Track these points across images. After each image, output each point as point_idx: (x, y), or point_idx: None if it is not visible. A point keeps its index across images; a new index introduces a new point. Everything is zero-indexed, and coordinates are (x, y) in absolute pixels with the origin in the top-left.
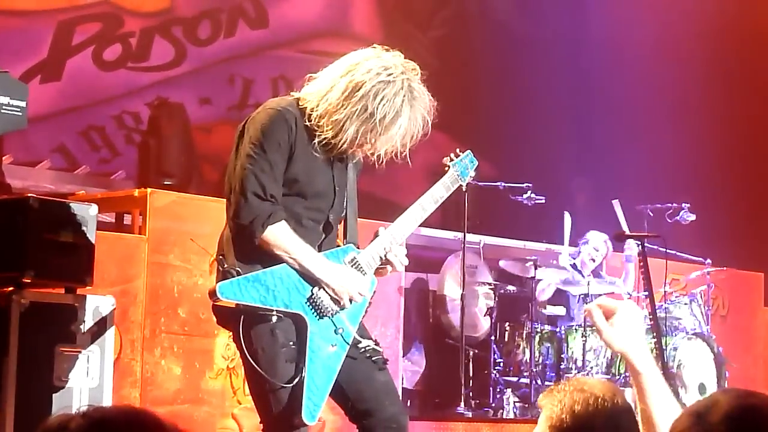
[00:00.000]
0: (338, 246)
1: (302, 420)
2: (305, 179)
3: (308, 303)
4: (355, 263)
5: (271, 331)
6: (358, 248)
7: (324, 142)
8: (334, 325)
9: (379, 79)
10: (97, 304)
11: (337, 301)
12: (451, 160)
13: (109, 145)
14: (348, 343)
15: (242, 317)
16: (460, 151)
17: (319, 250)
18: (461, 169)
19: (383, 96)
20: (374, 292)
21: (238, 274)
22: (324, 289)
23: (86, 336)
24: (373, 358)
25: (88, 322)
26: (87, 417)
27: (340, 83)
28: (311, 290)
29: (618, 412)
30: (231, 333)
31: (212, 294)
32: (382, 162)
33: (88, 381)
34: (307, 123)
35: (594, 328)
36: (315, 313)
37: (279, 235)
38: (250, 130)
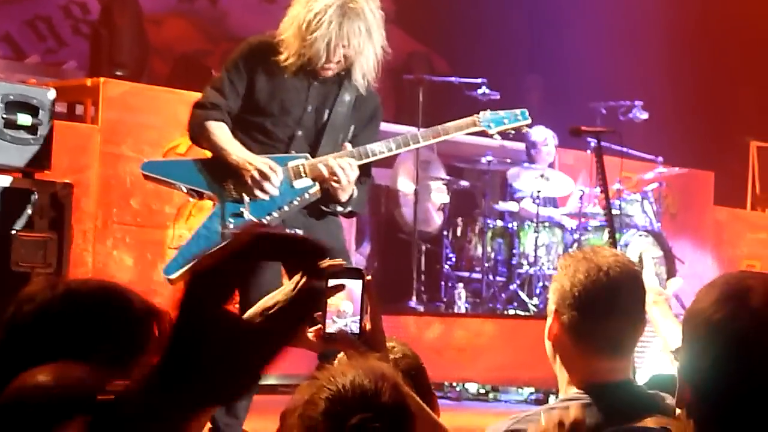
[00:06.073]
0: None
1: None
2: (268, 98)
3: (222, 188)
4: (299, 169)
5: None
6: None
7: (288, 63)
8: (232, 209)
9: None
10: (55, 189)
11: (244, 184)
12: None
13: (56, 35)
14: None
15: None
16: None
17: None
18: (493, 117)
19: (311, 8)
20: (304, 195)
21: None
22: (238, 177)
23: (44, 222)
24: None
25: (46, 207)
26: (65, 286)
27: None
28: (228, 180)
29: (618, 283)
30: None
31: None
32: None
33: (45, 267)
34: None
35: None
36: (223, 196)
37: (213, 132)
38: None
